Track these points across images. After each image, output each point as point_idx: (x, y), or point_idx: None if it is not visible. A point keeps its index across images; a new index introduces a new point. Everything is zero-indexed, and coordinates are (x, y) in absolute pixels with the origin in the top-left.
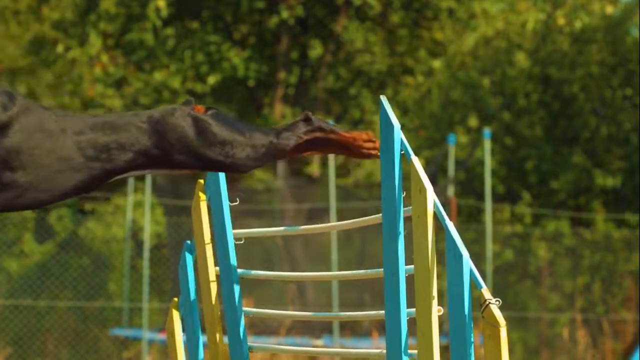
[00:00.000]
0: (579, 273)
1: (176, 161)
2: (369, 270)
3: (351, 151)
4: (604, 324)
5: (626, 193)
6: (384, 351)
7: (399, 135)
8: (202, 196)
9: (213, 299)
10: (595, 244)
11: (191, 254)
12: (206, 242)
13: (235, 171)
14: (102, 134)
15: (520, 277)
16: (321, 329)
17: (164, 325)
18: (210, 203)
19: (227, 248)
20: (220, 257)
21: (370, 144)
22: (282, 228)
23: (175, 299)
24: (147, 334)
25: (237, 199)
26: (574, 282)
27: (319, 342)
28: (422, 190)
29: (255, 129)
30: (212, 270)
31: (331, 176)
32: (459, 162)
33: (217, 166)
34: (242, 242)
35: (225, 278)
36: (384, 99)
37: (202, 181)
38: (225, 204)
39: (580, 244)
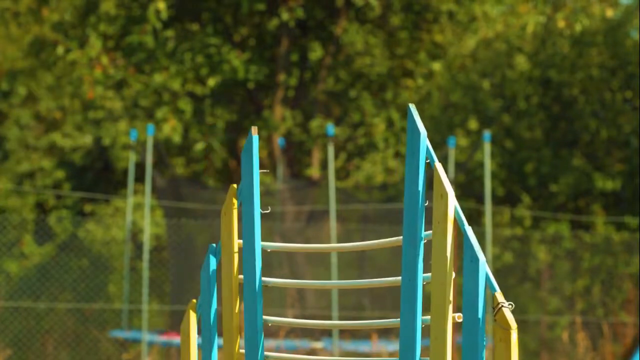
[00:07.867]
0: (579, 276)
1: None
2: (387, 279)
3: None
4: (604, 327)
5: (626, 196)
6: (397, 359)
7: (425, 142)
8: (234, 202)
9: (234, 304)
10: (595, 247)
11: (215, 257)
12: (234, 247)
13: None
14: None
15: (520, 279)
16: (320, 332)
17: (163, 327)
18: (242, 209)
19: (253, 255)
20: (246, 264)
21: None
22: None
23: (194, 300)
24: (146, 336)
25: (269, 207)
26: (574, 285)
27: (318, 344)
28: (444, 195)
29: None
30: (236, 276)
31: (331, 178)
32: (459, 165)
33: None
34: (269, 250)
35: (249, 285)
36: (412, 106)
37: (235, 186)
38: (257, 211)
39: (580, 246)
